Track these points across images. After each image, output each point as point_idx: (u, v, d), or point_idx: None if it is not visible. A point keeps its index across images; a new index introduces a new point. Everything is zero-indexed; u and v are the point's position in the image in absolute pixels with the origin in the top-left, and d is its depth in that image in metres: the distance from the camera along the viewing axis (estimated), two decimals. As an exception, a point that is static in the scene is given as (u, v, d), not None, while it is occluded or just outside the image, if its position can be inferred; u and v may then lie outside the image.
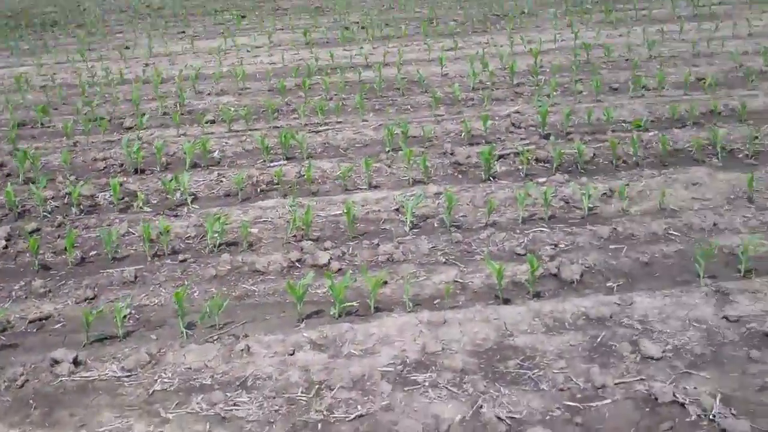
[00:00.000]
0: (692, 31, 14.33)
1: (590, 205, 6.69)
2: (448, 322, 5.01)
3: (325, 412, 4.21)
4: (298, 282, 5.31)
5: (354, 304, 5.32)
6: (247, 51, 14.68)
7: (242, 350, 4.77)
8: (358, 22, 17.09)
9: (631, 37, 13.98)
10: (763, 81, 10.56)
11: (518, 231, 6.37)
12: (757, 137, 8.13)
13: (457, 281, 5.63)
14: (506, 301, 5.30)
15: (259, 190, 7.55)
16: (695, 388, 4.26)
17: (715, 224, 6.30)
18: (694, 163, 7.65)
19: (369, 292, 5.24)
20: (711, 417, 4.01)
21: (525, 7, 18.08)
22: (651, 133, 8.49)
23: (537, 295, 5.38)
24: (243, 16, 18.82)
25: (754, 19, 15.28)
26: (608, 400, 4.20)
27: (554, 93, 10.35)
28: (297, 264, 5.99)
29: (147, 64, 13.97)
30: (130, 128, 9.87)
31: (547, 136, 8.60)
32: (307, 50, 14.36)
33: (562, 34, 14.60)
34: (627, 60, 12.14)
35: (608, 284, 5.50)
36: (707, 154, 7.86)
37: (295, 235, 6.45)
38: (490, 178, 7.53)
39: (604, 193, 6.98)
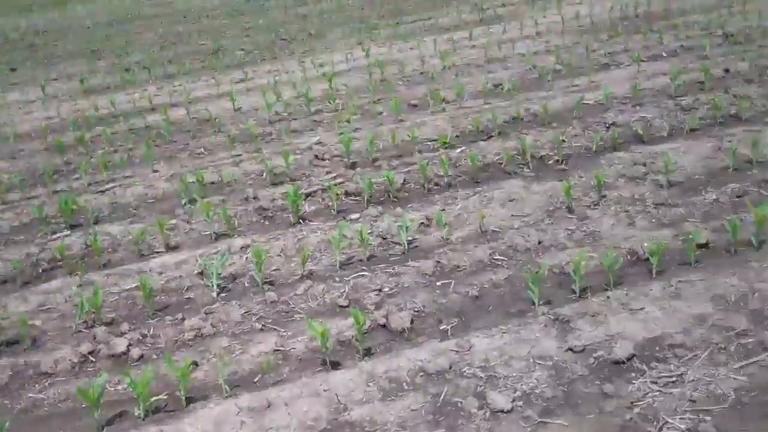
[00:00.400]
0: (482, 36, 14.32)
1: (409, 238, 6.23)
2: (273, 405, 4.37)
3: None
4: (92, 382, 4.53)
5: (162, 397, 4.58)
6: (19, 107, 13.43)
7: (29, 486, 3.95)
8: (139, 62, 16.09)
9: (423, 49, 13.78)
10: (558, 80, 10.54)
11: (338, 279, 5.81)
12: (563, 140, 7.96)
13: (277, 350, 4.99)
14: (335, 366, 4.72)
15: (40, 270, 6.61)
16: (555, 441, 3.83)
17: (540, 242, 5.98)
18: (506, 177, 7.36)
19: (178, 379, 4.52)
20: (579, 476, 3.58)
21: (312, 29, 17.65)
22: (459, 150, 8.16)
23: (368, 353, 4.83)
24: (13, 69, 17.37)
25: (539, 17, 15.49)
26: (464, 474, 3.70)
27: (354, 117, 9.89)
28: (90, 357, 5.16)
29: None
30: None
31: (353, 166, 8.11)
32: (86, 99, 13.28)
33: (354, 53, 14.24)
34: (422, 73, 11.88)
35: (441, 327, 5.03)
36: (518, 164, 7.60)
37: (85, 321, 5.60)
38: (300, 220, 6.94)
39: (422, 223, 6.54)
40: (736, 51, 10.86)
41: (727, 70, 9.85)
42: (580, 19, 14.61)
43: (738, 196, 6.36)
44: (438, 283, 5.58)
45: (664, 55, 11.18)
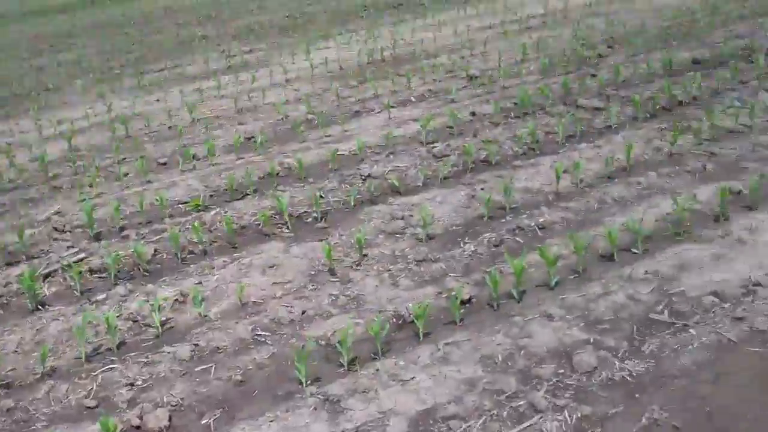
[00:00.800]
0: (230, 84, 13.94)
1: (163, 319, 5.74)
2: None
3: None
4: None
5: None
6: None
7: None
8: None
9: (170, 101, 13.20)
10: (311, 130, 10.34)
11: (84, 374, 5.21)
12: (321, 196, 7.74)
13: (15, 470, 4.36)
14: (84, 483, 4.17)
15: None
16: None
17: (303, 312, 5.68)
18: (265, 239, 7.01)
19: None
20: None
21: (49, 82, 16.56)
22: (213, 212, 7.72)
23: (121, 463, 4.31)
24: None
25: (287, 63, 15.33)
26: None
27: (97, 181, 9.19)
28: None
29: None
30: None
31: (98, 237, 7.46)
32: None
33: (95, 107, 13.43)
34: (170, 128, 11.33)
35: (204, 422, 4.60)
36: (276, 224, 7.28)
37: None
38: (39, 306, 6.23)
39: (176, 299, 6.06)
40: (480, 93, 11.16)
41: (473, 114, 10.07)
42: (329, 64, 14.55)
43: (495, 246, 6.38)
44: (197, 370, 5.14)
45: (413, 99, 11.30)
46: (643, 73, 11.04)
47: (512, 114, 9.85)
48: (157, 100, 13.44)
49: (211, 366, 5.15)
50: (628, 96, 9.88)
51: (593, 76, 11.28)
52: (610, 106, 9.38)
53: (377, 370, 4.82)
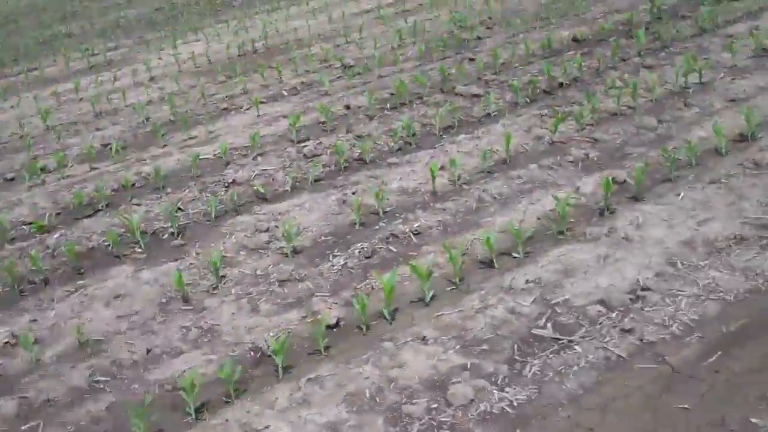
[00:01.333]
0: (91, 86, 12.94)
1: (-9, 369, 4.99)
2: None
3: None
4: None
5: None
6: None
7: None
8: None
9: (24, 108, 12.16)
10: (172, 132, 9.56)
11: None
12: (180, 208, 7.03)
13: None
14: None
15: None
16: None
17: (149, 351, 5.00)
18: (114, 263, 6.28)
19: None
20: None
21: None
22: (58, 234, 6.91)
23: None
24: None
25: (153, 60, 14.38)
26: None
27: (-68, 204, 8.24)
28: None
29: None
30: None
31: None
32: None
33: (-57, 118, 12.32)
34: (22, 137, 10.36)
35: (24, 499, 3.90)
36: (128, 244, 6.55)
37: None
38: None
39: (7, 342, 5.30)
40: (356, 84, 10.55)
41: (348, 107, 9.46)
42: (196, 59, 13.66)
43: (367, 257, 5.81)
44: (24, 428, 4.42)
45: (285, 94, 10.63)
46: (522, 55, 10.63)
47: (388, 105, 9.27)
48: (12, 107, 12.39)
49: (39, 423, 4.44)
50: (507, 80, 9.43)
51: (471, 60, 10.82)
52: (488, 93, 8.91)
53: (227, 420, 4.19)
